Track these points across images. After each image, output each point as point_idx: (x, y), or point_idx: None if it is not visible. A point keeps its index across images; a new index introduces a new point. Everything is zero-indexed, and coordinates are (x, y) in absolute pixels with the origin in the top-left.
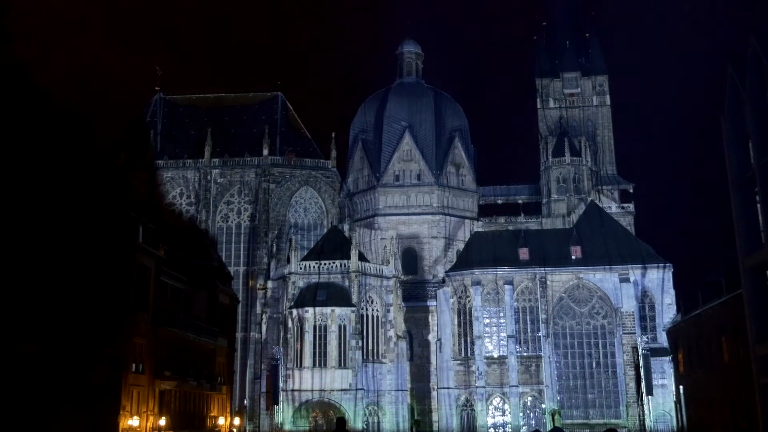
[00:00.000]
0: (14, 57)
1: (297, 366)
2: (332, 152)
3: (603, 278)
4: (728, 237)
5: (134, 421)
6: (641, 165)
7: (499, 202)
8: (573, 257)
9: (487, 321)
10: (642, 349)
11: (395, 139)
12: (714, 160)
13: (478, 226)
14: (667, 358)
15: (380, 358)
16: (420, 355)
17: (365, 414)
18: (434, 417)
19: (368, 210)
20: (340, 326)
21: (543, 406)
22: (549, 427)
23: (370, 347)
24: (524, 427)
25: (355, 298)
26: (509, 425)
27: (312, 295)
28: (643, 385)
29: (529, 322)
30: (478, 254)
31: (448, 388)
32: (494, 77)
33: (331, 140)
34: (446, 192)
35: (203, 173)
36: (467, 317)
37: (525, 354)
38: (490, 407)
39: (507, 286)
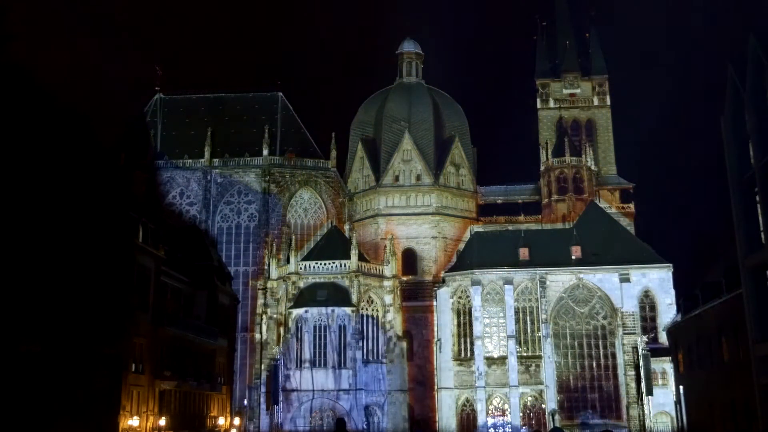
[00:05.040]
0: (14, 57)
1: (297, 366)
2: (332, 152)
3: (603, 278)
4: (728, 237)
5: (134, 421)
6: (641, 165)
7: (499, 202)
8: (573, 257)
9: (487, 321)
10: (642, 350)
11: (395, 139)
12: (714, 160)
13: (478, 226)
14: (667, 358)
15: (380, 358)
16: (420, 355)
17: (365, 414)
18: (434, 417)
19: (368, 210)
20: (340, 326)
21: (543, 406)
22: (550, 426)
23: (369, 347)
24: (524, 427)
25: (354, 298)
26: (509, 425)
27: (312, 295)
28: (643, 385)
29: (529, 322)
30: (478, 254)
31: (448, 388)
32: (494, 77)
33: (331, 140)
34: (446, 192)
35: (203, 173)
36: (467, 317)
37: (525, 354)
38: (490, 407)
39: (507, 286)
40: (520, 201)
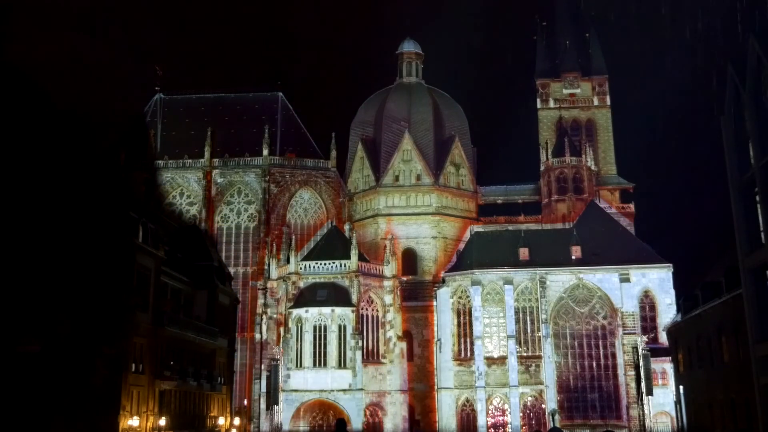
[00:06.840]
0: (14, 57)
1: (297, 366)
2: (332, 152)
3: (603, 278)
4: (728, 237)
5: (134, 421)
6: (641, 165)
7: (499, 202)
8: (573, 257)
9: (487, 321)
10: (642, 350)
11: (395, 139)
12: (714, 160)
13: (478, 226)
14: (667, 358)
15: (380, 358)
16: (420, 355)
17: (365, 414)
18: (434, 417)
19: (368, 210)
20: (340, 326)
21: (543, 406)
22: (550, 426)
23: (369, 347)
24: (524, 427)
25: (354, 298)
26: (509, 425)
27: (312, 295)
28: (643, 385)
29: (529, 322)
30: (478, 254)
31: (448, 388)
32: (494, 77)
33: (331, 140)
34: (446, 192)
35: (203, 173)
36: (467, 317)
37: (525, 354)
38: (490, 407)
39: (507, 286)
40: (520, 201)
